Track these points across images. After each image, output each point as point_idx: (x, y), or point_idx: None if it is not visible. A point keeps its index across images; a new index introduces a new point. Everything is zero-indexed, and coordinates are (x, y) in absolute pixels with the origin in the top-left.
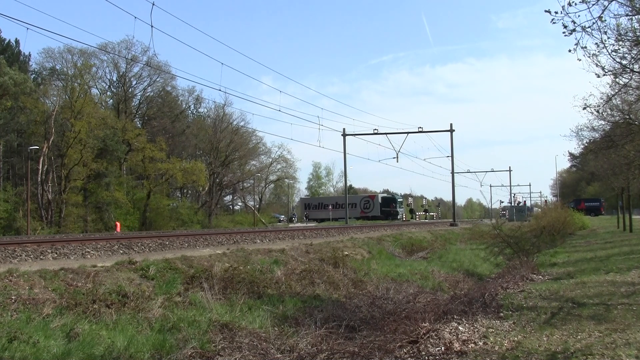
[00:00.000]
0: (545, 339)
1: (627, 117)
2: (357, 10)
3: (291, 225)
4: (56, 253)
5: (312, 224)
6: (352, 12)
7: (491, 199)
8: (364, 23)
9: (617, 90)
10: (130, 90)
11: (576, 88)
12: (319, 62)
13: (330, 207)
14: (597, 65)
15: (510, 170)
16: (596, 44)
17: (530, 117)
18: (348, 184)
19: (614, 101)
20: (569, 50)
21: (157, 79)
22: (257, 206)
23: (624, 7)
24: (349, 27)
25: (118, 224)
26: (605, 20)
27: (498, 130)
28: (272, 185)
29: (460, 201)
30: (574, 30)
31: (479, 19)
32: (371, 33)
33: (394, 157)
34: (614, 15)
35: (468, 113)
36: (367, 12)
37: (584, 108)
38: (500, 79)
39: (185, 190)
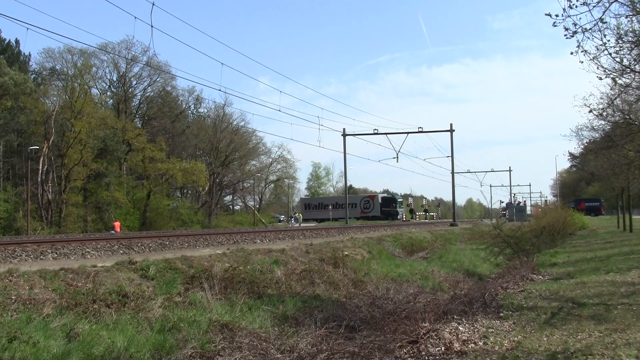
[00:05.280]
0: (545, 339)
1: (627, 117)
2: (354, 10)
3: (293, 225)
4: (56, 253)
5: (312, 224)
6: (349, 13)
7: (491, 199)
8: (360, 24)
9: (618, 92)
10: (130, 90)
11: (574, 88)
12: (315, 62)
13: (330, 207)
14: (598, 67)
15: (510, 171)
16: (597, 46)
17: (529, 117)
18: (348, 184)
19: (614, 101)
20: (571, 53)
21: (157, 79)
22: (257, 206)
23: (625, 7)
24: (346, 28)
25: (117, 223)
26: (606, 22)
27: (497, 130)
28: (272, 185)
29: (460, 201)
30: (575, 32)
31: (474, 19)
32: (367, 34)
33: (394, 157)
34: (614, 15)
35: (466, 113)
36: (363, 12)
37: (590, 111)
38: (497, 80)
39: (185, 190)
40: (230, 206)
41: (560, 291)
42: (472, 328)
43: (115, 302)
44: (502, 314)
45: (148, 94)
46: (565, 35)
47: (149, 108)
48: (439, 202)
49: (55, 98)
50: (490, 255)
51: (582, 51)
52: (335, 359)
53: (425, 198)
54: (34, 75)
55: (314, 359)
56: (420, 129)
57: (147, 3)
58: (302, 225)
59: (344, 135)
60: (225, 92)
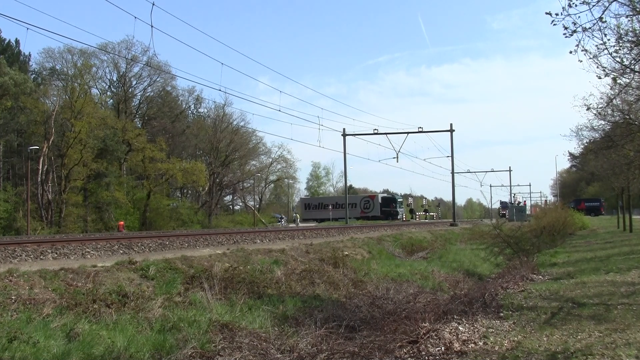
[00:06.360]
0: (545, 339)
1: (627, 117)
2: (354, 10)
3: (291, 225)
4: (56, 253)
5: (312, 224)
6: (349, 13)
7: (491, 199)
8: (360, 24)
9: (617, 91)
10: (130, 90)
11: (574, 88)
12: (315, 62)
13: (330, 207)
14: (598, 66)
15: (510, 171)
16: (597, 45)
17: (529, 117)
18: (348, 184)
19: (614, 101)
20: (570, 52)
21: (157, 79)
22: (257, 206)
23: (625, 7)
24: (345, 28)
25: (122, 223)
26: (606, 21)
27: (497, 130)
28: (272, 185)
29: (460, 201)
30: (574, 31)
31: (474, 19)
32: (367, 34)
33: (394, 157)
34: (615, 15)
35: (466, 113)
36: (363, 12)
37: (588, 109)
38: (496, 80)
39: (185, 190)
40: (230, 206)
41: (560, 291)
42: (472, 328)
43: (115, 302)
44: (502, 314)
45: (148, 94)
46: (564, 34)
47: (149, 108)
48: (439, 202)
49: (55, 98)
50: (490, 255)
51: (582, 50)
52: (335, 359)
53: (425, 198)
54: (34, 75)
55: (314, 359)
56: (420, 129)
57: (147, 3)
58: (301, 225)
59: (344, 135)
60: (225, 92)
